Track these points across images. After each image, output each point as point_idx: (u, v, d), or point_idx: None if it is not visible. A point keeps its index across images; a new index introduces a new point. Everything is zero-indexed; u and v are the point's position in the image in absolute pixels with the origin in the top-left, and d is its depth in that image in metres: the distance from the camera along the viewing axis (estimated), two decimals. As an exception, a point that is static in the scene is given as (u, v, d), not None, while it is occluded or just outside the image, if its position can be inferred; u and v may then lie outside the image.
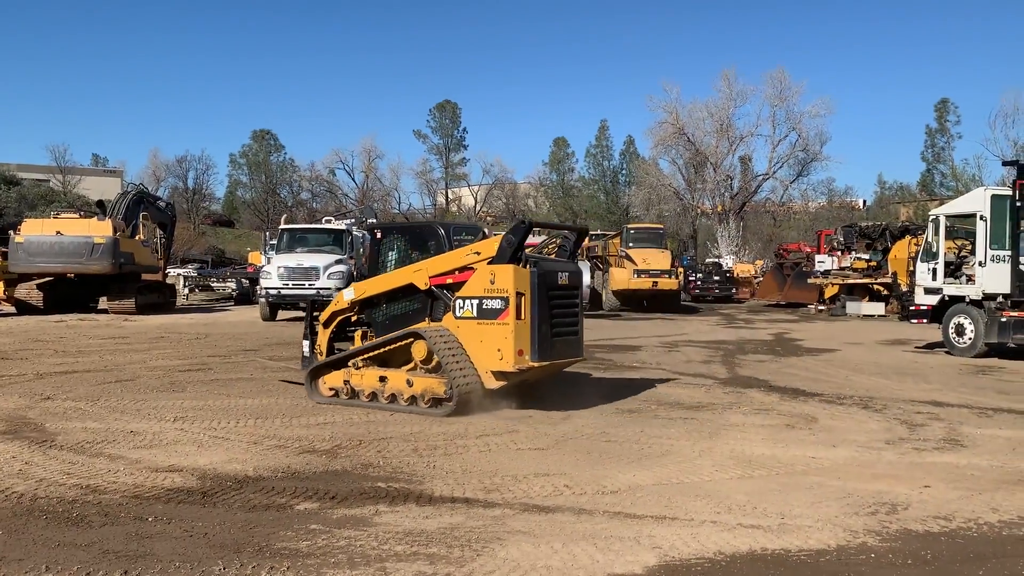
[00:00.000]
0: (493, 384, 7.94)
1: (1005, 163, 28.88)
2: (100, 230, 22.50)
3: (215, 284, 38.01)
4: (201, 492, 5.33)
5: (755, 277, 40.48)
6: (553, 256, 9.01)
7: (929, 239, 15.46)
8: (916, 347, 16.41)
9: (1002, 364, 13.58)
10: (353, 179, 67.27)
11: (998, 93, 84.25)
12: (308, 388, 8.92)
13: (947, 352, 14.87)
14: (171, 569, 3.98)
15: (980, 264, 14.35)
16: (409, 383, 8.20)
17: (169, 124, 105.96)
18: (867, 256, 29.24)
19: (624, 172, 71.31)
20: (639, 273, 27.93)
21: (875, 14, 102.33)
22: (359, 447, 6.71)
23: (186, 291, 33.94)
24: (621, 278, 28.27)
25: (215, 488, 5.43)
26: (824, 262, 31.17)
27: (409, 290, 8.69)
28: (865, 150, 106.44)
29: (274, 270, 21.08)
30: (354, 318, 9.20)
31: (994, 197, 14.42)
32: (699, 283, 37.70)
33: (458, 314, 8.12)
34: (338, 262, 20.83)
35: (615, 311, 28.15)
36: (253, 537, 4.46)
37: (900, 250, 26.18)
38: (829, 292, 29.80)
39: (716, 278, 38.15)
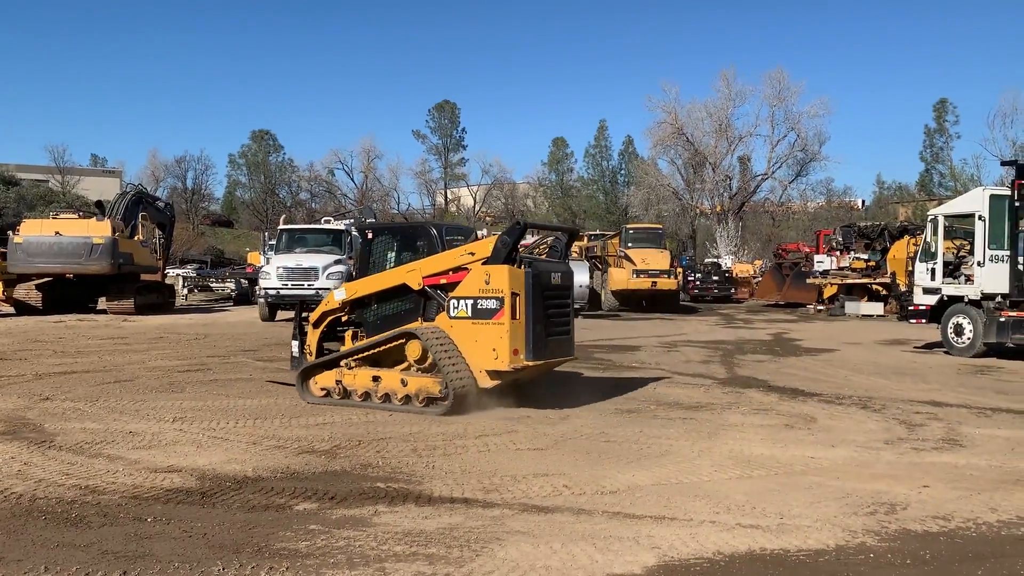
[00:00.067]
0: (487, 383, 8.02)
1: (1003, 163, 28.98)
2: (99, 230, 22.48)
3: (214, 284, 37.99)
4: (200, 493, 5.33)
5: (754, 277, 40.50)
6: (544, 256, 9.04)
7: (928, 239, 15.48)
8: (915, 347, 16.42)
9: (1001, 364, 13.59)
10: (352, 179, 67.30)
11: (997, 93, 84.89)
12: (299, 388, 8.91)
13: (946, 352, 14.88)
14: (170, 569, 3.98)
15: (979, 264, 14.36)
16: (403, 383, 8.23)
17: (168, 124, 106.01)
18: (866, 256, 29.25)
19: (623, 172, 71.39)
20: (638, 273, 27.93)
21: (874, 14, 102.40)
22: (358, 447, 6.71)
23: (185, 291, 33.91)
24: (620, 278, 28.28)
25: (214, 488, 5.43)
26: (823, 262, 31.17)
27: (402, 290, 8.72)
28: (864, 150, 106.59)
29: (273, 270, 21.08)
30: (344, 318, 9.20)
31: (993, 197, 14.43)
32: (698, 283, 37.73)
33: (452, 314, 8.16)
34: (337, 262, 20.82)
35: (614, 311, 28.15)
36: (252, 537, 4.46)
37: (899, 250, 26.21)
38: (828, 292, 29.82)
39: (715, 278, 38.17)
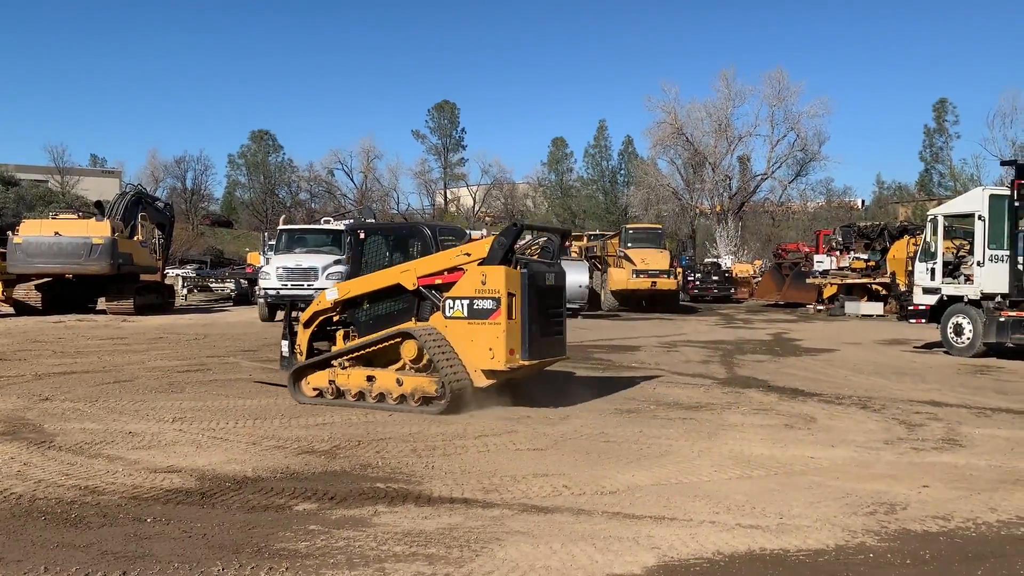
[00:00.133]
0: (483, 382, 8.09)
1: (1003, 163, 28.96)
2: (98, 231, 22.48)
3: (214, 285, 37.98)
4: (200, 493, 5.33)
5: (754, 277, 40.51)
6: (535, 257, 9.08)
7: (927, 239, 15.48)
8: (914, 347, 16.43)
9: (1000, 364, 13.59)
10: (352, 179, 67.33)
11: (996, 93, 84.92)
12: (291, 388, 8.90)
13: (945, 352, 14.88)
14: (170, 570, 3.98)
15: (978, 264, 14.36)
16: (399, 382, 8.27)
17: (168, 124, 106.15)
18: (865, 256, 29.26)
19: (623, 172, 71.41)
20: (638, 273, 27.94)
21: (874, 14, 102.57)
22: (358, 448, 6.71)
23: (185, 292, 33.90)
24: (620, 278, 28.28)
25: (214, 489, 5.42)
26: (823, 262, 31.19)
27: (395, 290, 8.74)
28: (863, 150, 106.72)
29: (273, 271, 21.09)
30: (336, 318, 9.21)
31: (992, 197, 14.44)
32: (698, 283, 37.74)
33: (448, 314, 8.20)
34: (337, 263, 20.80)
35: (614, 311, 28.15)
36: (252, 538, 4.46)
37: (898, 250, 26.21)
38: (828, 292, 29.83)
39: (715, 278, 38.18)
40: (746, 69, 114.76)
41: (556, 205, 70.01)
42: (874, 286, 28.18)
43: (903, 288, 21.43)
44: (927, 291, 15.32)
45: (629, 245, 29.71)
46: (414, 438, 7.06)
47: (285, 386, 9.20)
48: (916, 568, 4.15)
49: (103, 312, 23.30)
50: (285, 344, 9.37)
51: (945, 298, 14.97)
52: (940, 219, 15.34)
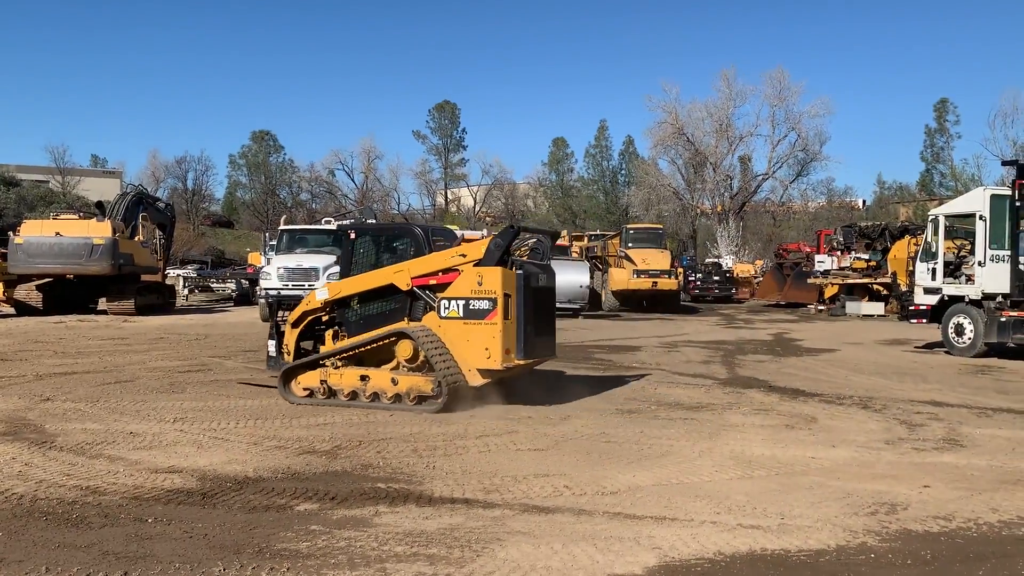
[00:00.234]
0: (478, 381, 8.17)
1: (1004, 163, 28.96)
2: (99, 231, 22.48)
3: (215, 285, 37.97)
4: (201, 493, 5.33)
5: (755, 277, 40.53)
6: (525, 258, 9.12)
7: (928, 239, 15.47)
8: (916, 347, 16.42)
9: (1002, 364, 13.58)
10: (352, 180, 67.38)
11: (997, 93, 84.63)
12: (281, 389, 8.90)
13: (946, 352, 14.88)
14: (171, 570, 3.98)
15: (979, 264, 14.36)
16: (394, 381, 8.30)
17: (168, 125, 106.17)
18: (867, 256, 29.26)
19: (623, 172, 71.38)
20: (638, 273, 27.93)
21: (875, 14, 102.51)
22: (359, 448, 6.71)
23: (186, 292, 33.92)
24: (620, 278, 28.28)
25: (215, 489, 5.43)
26: (824, 262, 31.19)
27: (388, 291, 8.75)
28: (864, 150, 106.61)
29: (274, 271, 21.09)
30: (325, 318, 9.21)
31: (993, 197, 14.43)
32: (699, 283, 37.72)
33: (443, 314, 8.25)
34: (337, 263, 20.82)
35: (614, 311, 28.14)
36: (253, 538, 4.46)
37: (899, 250, 26.20)
38: (829, 292, 29.82)
39: (716, 278, 38.17)
40: (747, 69, 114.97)
41: (557, 205, 70.02)
42: (875, 286, 28.17)
43: (904, 288, 21.43)
44: (928, 291, 15.32)
45: (630, 245, 29.72)
46: (415, 438, 7.06)
47: (269, 386, 9.22)
48: (917, 568, 4.15)
49: (104, 312, 23.30)
50: (272, 344, 9.38)
51: (946, 298, 14.97)
52: (941, 219, 15.33)
